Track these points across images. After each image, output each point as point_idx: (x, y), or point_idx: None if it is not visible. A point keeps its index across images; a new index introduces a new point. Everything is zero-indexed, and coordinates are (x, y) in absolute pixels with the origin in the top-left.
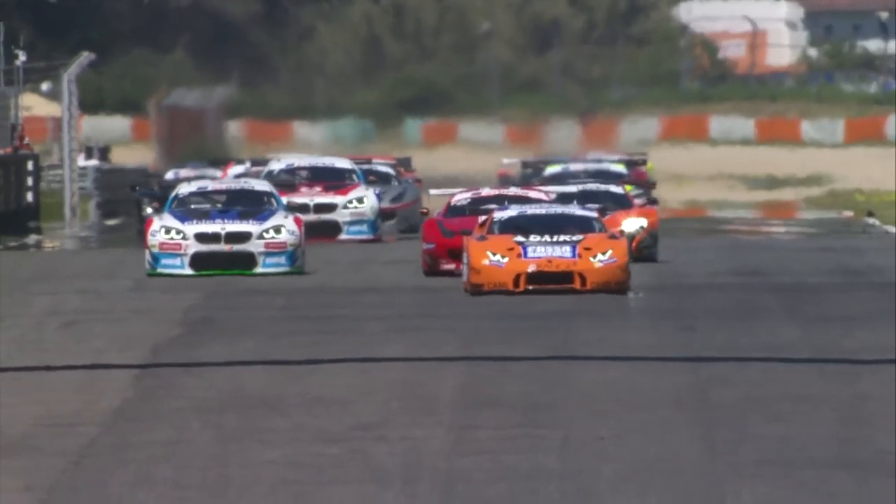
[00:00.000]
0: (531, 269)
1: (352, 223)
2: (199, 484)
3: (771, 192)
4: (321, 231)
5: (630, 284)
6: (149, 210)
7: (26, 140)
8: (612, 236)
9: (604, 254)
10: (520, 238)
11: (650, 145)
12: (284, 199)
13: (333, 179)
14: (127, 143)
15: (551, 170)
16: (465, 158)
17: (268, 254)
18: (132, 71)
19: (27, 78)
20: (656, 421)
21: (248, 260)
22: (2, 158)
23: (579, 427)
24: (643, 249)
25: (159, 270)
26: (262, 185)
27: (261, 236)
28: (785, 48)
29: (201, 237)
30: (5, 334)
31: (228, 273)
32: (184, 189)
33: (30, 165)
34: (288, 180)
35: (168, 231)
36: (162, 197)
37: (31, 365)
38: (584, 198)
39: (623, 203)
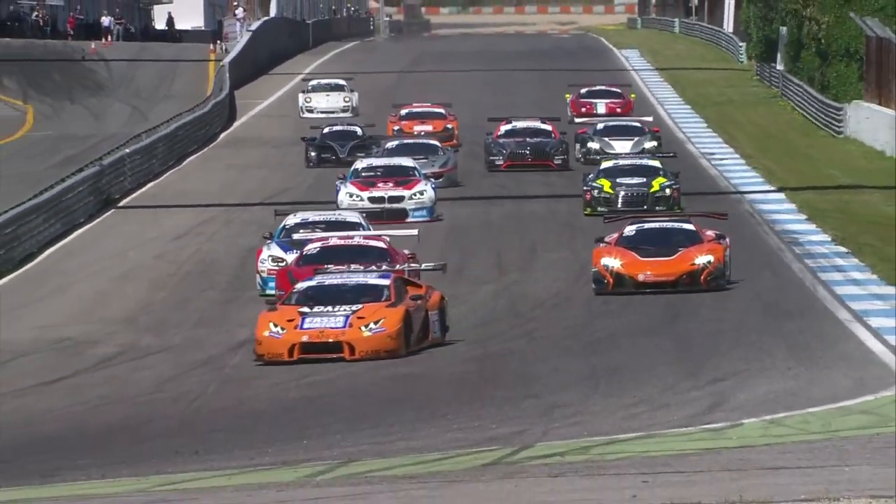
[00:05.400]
0: (304, 339)
1: (415, 209)
2: None
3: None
4: (393, 215)
5: (402, 352)
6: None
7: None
8: (392, 305)
9: (375, 323)
10: (304, 309)
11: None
12: (366, 194)
13: (402, 176)
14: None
15: (605, 164)
16: (491, 19)
17: None
18: None
19: None
20: None
21: None
22: (353, 17)
23: None
24: (710, 281)
25: (268, 292)
26: (353, 217)
27: None
28: None
29: None
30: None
31: None
32: (290, 221)
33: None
34: (368, 177)
35: (275, 260)
36: None
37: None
38: (662, 234)
39: (694, 239)
